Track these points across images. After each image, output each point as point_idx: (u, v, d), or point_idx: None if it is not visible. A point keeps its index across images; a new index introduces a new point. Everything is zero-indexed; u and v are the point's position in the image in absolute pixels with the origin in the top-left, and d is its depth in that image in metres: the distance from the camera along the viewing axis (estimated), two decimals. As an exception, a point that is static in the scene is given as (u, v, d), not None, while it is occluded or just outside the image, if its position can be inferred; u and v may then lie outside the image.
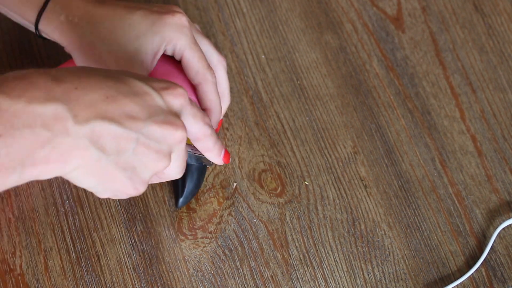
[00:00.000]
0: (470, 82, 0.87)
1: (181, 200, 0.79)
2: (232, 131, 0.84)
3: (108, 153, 0.59)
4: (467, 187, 0.82)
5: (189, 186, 0.79)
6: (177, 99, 0.63)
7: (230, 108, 0.84)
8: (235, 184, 0.82)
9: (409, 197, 0.82)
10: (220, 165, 0.82)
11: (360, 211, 0.81)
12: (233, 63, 0.86)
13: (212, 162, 0.73)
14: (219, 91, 0.78)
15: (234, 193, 0.81)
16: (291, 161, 0.83)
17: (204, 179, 0.82)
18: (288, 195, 0.81)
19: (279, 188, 0.82)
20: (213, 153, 0.70)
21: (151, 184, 0.81)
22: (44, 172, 0.58)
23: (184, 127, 0.62)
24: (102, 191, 0.62)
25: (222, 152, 0.71)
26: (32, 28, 0.76)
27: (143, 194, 0.81)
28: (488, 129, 0.85)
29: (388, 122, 0.85)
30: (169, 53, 0.75)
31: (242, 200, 0.81)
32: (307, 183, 0.82)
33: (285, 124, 0.84)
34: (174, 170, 0.66)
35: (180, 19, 0.74)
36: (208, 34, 0.87)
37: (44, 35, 0.76)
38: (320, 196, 0.81)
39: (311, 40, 0.88)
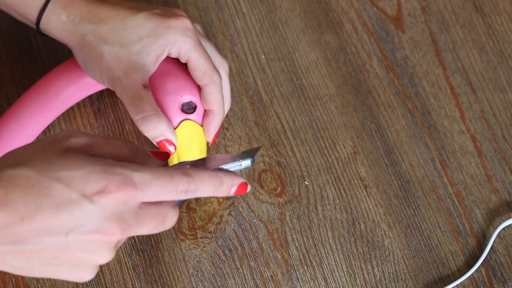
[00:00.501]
0: (470, 82, 0.87)
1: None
2: (232, 131, 0.84)
3: (33, 264, 0.57)
4: (467, 187, 0.82)
5: None
6: (118, 201, 0.56)
7: (230, 108, 0.84)
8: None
9: (409, 197, 0.82)
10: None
11: (360, 211, 0.81)
12: (233, 63, 0.86)
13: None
14: None
15: (234, 193, 0.81)
16: (291, 161, 0.83)
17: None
18: (288, 195, 0.81)
19: (279, 188, 0.82)
20: (222, 191, 0.60)
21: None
22: None
23: (119, 231, 0.56)
24: (64, 277, 0.58)
25: (235, 183, 0.61)
26: (34, 26, 0.76)
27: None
28: (488, 129, 0.85)
29: (388, 122, 0.85)
30: (173, 55, 0.75)
31: (242, 200, 0.81)
32: (307, 183, 0.82)
33: (285, 124, 0.84)
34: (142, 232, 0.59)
35: (183, 22, 0.75)
36: (208, 34, 0.87)
37: (47, 34, 0.77)
38: (320, 196, 0.81)
39: (311, 40, 0.88)
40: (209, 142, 0.78)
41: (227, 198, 0.81)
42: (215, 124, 0.77)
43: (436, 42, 0.88)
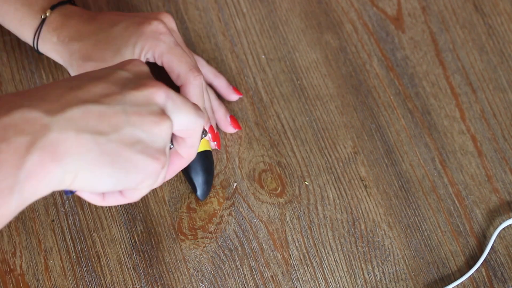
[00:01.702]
0: (470, 82, 0.87)
1: (198, 192, 0.79)
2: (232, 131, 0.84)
3: (105, 133, 0.55)
4: (467, 187, 0.82)
5: (198, 176, 0.79)
6: (141, 65, 0.61)
7: (230, 108, 0.84)
8: (235, 184, 0.82)
9: (409, 197, 0.82)
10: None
11: (360, 211, 0.81)
12: (233, 63, 0.86)
13: (203, 133, 0.73)
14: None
15: (234, 193, 0.81)
16: (291, 161, 0.83)
17: (204, 179, 0.82)
18: (288, 195, 0.81)
19: (279, 188, 0.82)
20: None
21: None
22: (44, 181, 0.53)
23: (160, 83, 0.59)
24: (125, 180, 0.57)
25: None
26: (27, 41, 0.79)
27: (143, 194, 0.81)
28: (488, 129, 0.85)
29: (388, 122, 0.85)
30: (151, 60, 0.76)
31: (242, 200, 0.81)
32: (307, 183, 0.82)
33: (285, 124, 0.84)
34: (185, 121, 0.61)
35: (156, 26, 0.75)
36: (208, 35, 0.87)
37: (44, 54, 0.79)
38: (320, 196, 0.81)
39: (311, 40, 0.88)
40: (214, 145, 0.80)
41: (228, 198, 0.81)
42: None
43: (436, 42, 0.88)
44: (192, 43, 0.87)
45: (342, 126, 0.84)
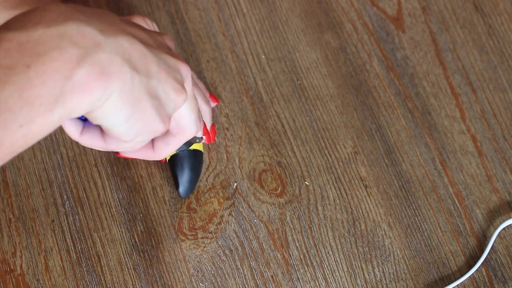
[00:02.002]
0: (470, 82, 0.87)
1: (180, 190, 0.79)
2: (232, 131, 0.84)
3: (140, 72, 0.57)
4: (468, 187, 0.82)
5: (182, 174, 0.79)
6: (172, 43, 0.64)
7: (230, 108, 0.84)
8: (235, 184, 0.82)
9: (410, 197, 0.82)
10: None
11: (360, 211, 0.81)
12: (233, 63, 0.86)
13: (198, 138, 0.73)
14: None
15: (235, 193, 0.81)
16: (292, 161, 0.83)
17: (205, 180, 0.82)
18: (288, 195, 0.81)
19: (279, 188, 0.82)
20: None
21: (151, 184, 0.81)
22: (85, 97, 0.54)
23: (186, 64, 0.63)
24: (132, 126, 0.59)
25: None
26: None
27: (143, 194, 0.81)
28: (488, 129, 0.85)
29: (388, 122, 0.85)
30: None
31: (243, 200, 0.81)
32: (307, 183, 0.82)
33: (285, 124, 0.84)
34: (184, 114, 0.64)
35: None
36: (208, 35, 0.87)
37: None
38: (321, 196, 0.81)
39: (311, 40, 0.88)
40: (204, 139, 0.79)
41: (228, 198, 0.81)
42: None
43: (436, 42, 0.88)
44: (192, 43, 0.87)
45: (342, 126, 0.84)
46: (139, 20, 0.76)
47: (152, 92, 0.59)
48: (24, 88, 0.51)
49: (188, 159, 0.79)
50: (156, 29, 0.79)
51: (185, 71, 0.62)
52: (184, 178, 0.79)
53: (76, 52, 0.53)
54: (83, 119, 0.65)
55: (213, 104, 0.83)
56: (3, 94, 0.51)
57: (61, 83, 0.52)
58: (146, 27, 0.76)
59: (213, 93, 0.85)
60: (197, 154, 0.80)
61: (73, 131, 0.64)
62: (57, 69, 0.52)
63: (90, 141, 0.64)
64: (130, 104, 0.57)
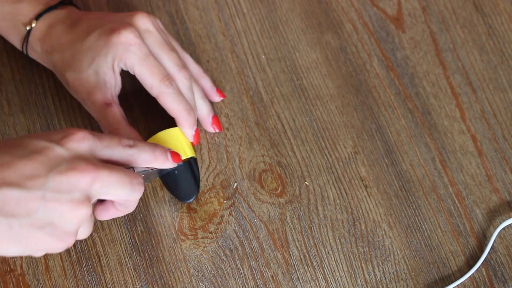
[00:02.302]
0: (470, 82, 0.87)
1: (182, 200, 0.79)
2: (233, 131, 0.84)
3: (18, 216, 0.59)
4: (468, 187, 0.82)
5: (178, 189, 0.79)
6: (81, 143, 0.63)
7: (230, 108, 0.84)
8: (235, 184, 0.82)
9: (410, 197, 0.82)
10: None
11: (360, 211, 0.81)
12: (233, 63, 0.86)
13: (161, 169, 0.74)
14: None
15: (235, 193, 0.81)
16: (292, 161, 0.83)
17: (205, 180, 0.81)
18: (288, 195, 0.81)
19: (279, 188, 0.82)
20: (158, 161, 0.71)
21: (151, 184, 0.81)
22: None
23: (91, 168, 0.62)
24: (33, 253, 0.62)
25: (168, 156, 0.72)
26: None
27: (143, 194, 0.81)
28: (488, 129, 0.85)
29: (388, 122, 0.85)
30: (125, 69, 0.77)
31: (243, 200, 0.81)
32: (307, 183, 0.82)
33: (286, 124, 0.84)
34: (119, 196, 0.66)
35: (126, 37, 0.76)
36: (208, 35, 0.87)
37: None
38: (321, 196, 0.81)
39: (311, 40, 0.88)
40: (192, 142, 0.79)
41: (228, 198, 0.81)
42: (185, 127, 0.78)
43: (436, 42, 0.88)
44: (192, 43, 0.87)
45: (342, 126, 0.84)
46: (143, 18, 0.77)
47: (41, 223, 0.60)
48: None
49: (186, 172, 0.79)
50: (161, 27, 0.79)
51: (87, 181, 0.62)
52: (182, 193, 0.79)
53: None
54: None
55: (219, 99, 0.83)
56: None
57: None
58: (150, 26, 0.77)
59: (213, 93, 0.85)
60: (191, 163, 0.79)
61: None
62: None
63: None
64: (17, 243, 0.60)
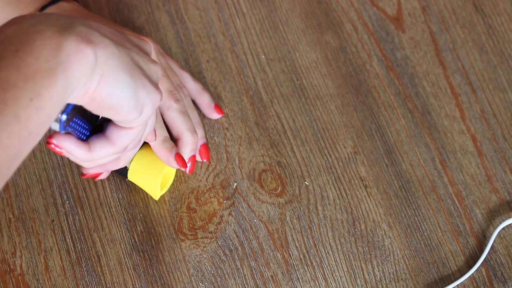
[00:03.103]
0: (470, 82, 0.87)
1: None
2: (232, 131, 0.84)
3: (120, 45, 0.61)
4: (467, 187, 0.82)
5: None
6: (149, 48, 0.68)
7: (230, 108, 0.84)
8: (235, 184, 0.82)
9: (409, 197, 0.82)
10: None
11: (360, 211, 0.81)
12: (233, 63, 0.86)
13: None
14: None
15: (234, 193, 0.81)
16: (291, 161, 0.83)
17: (205, 180, 0.82)
18: (288, 195, 0.81)
19: (279, 188, 0.82)
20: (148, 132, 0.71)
21: (151, 184, 0.81)
22: (82, 64, 0.57)
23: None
24: (137, 95, 0.62)
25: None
26: None
27: (143, 194, 0.81)
28: (488, 129, 0.85)
29: (388, 122, 0.85)
30: None
31: (242, 200, 0.81)
32: (307, 183, 0.82)
33: (285, 124, 0.84)
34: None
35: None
36: (208, 35, 0.87)
37: None
38: (320, 196, 0.81)
39: (311, 40, 0.88)
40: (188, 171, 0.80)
41: (228, 198, 0.81)
42: (185, 149, 0.78)
43: (436, 42, 0.88)
44: (192, 43, 0.87)
45: (342, 126, 0.84)
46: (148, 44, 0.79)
47: (137, 62, 0.62)
48: (19, 67, 0.54)
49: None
50: (161, 51, 0.81)
51: (149, 47, 0.67)
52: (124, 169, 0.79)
53: (54, 29, 0.56)
54: (84, 139, 0.66)
55: (217, 116, 0.83)
56: (2, 74, 0.54)
57: (52, 55, 0.55)
58: (152, 51, 0.79)
59: (213, 93, 0.85)
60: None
61: (82, 152, 0.67)
62: (43, 45, 0.55)
63: (101, 150, 0.67)
64: (126, 71, 0.61)
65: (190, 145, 0.78)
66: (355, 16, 0.89)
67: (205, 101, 0.83)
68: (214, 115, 0.83)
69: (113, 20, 0.88)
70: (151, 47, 0.77)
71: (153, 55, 0.78)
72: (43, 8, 0.78)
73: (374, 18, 0.89)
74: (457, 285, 0.78)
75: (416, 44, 0.88)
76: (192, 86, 0.83)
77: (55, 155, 0.82)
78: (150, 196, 0.81)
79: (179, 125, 0.77)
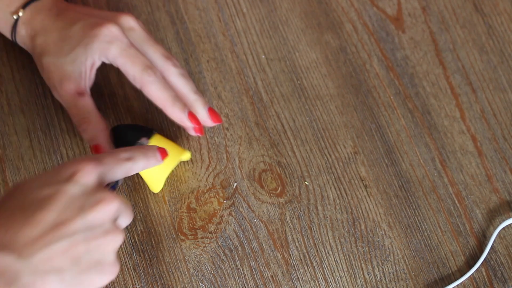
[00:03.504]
0: (470, 82, 0.87)
1: None
2: (232, 131, 0.84)
3: (67, 268, 0.60)
4: (467, 187, 0.82)
5: None
6: (90, 175, 0.63)
7: (230, 108, 0.84)
8: (235, 184, 0.82)
9: (409, 197, 0.82)
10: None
11: (360, 211, 0.81)
12: (233, 63, 0.87)
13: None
14: (182, 96, 0.79)
15: (234, 193, 0.81)
16: (291, 161, 0.83)
17: (205, 179, 0.82)
18: (288, 195, 0.81)
19: (279, 188, 0.82)
20: (150, 164, 0.71)
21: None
22: None
23: (111, 195, 0.63)
24: None
25: (157, 155, 0.71)
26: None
27: (143, 194, 0.81)
28: (488, 129, 0.85)
29: (388, 122, 0.85)
30: (107, 62, 0.78)
31: (242, 200, 0.81)
32: (307, 183, 0.82)
33: (285, 124, 0.84)
34: (126, 223, 0.67)
35: (109, 30, 0.77)
36: (208, 35, 0.87)
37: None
38: (320, 196, 0.81)
39: (311, 40, 0.88)
40: (210, 122, 0.80)
41: (228, 198, 0.81)
42: (173, 115, 0.78)
43: (436, 42, 0.88)
44: (192, 43, 0.87)
45: (342, 126, 0.84)
46: (127, 17, 0.79)
47: (89, 265, 0.61)
48: None
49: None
50: (145, 28, 0.80)
51: (115, 208, 0.63)
52: None
53: (2, 283, 0.58)
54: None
55: (213, 124, 0.81)
56: None
57: None
58: (135, 24, 0.78)
59: (213, 93, 0.85)
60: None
61: None
62: None
63: None
64: None
65: (175, 110, 0.77)
66: (355, 16, 0.89)
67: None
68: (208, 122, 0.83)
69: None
70: (129, 23, 0.78)
71: (136, 32, 0.78)
72: (26, 4, 0.79)
73: (374, 18, 0.89)
74: (457, 285, 0.78)
75: (416, 44, 0.88)
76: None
77: (55, 155, 0.82)
78: (150, 196, 0.81)
79: (158, 96, 0.77)
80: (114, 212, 0.63)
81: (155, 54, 0.78)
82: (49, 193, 0.61)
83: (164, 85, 0.77)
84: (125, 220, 0.65)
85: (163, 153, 0.72)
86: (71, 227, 0.60)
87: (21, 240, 0.59)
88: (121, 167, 0.67)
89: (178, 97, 0.77)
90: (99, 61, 0.77)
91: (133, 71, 0.76)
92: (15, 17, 0.79)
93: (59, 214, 0.60)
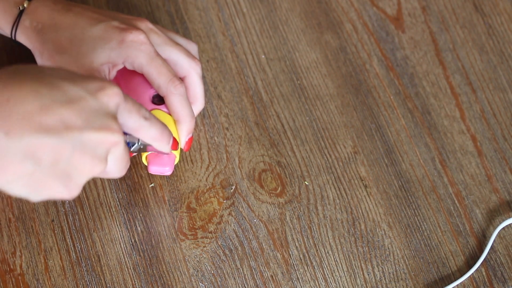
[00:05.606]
0: (470, 82, 0.87)
1: None
2: (232, 131, 0.84)
3: (44, 165, 0.59)
4: (467, 187, 0.82)
5: None
6: (112, 99, 0.63)
7: (230, 108, 0.84)
8: (235, 184, 0.82)
9: (409, 197, 0.82)
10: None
11: (360, 211, 0.81)
12: (233, 63, 0.87)
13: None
14: (191, 94, 0.79)
15: (234, 193, 0.81)
16: (291, 161, 0.83)
17: (205, 179, 0.82)
18: (288, 195, 0.81)
19: (279, 188, 0.82)
20: (160, 143, 0.70)
21: (151, 184, 0.81)
22: None
23: (119, 130, 0.63)
24: (35, 197, 0.62)
25: (170, 141, 0.71)
26: (3, 32, 0.80)
27: (143, 194, 0.81)
28: (488, 129, 0.85)
29: (388, 122, 0.85)
30: (129, 68, 0.77)
31: (242, 200, 0.81)
32: (307, 183, 0.82)
33: (285, 124, 0.84)
34: (113, 170, 0.67)
35: (137, 37, 0.76)
36: (208, 34, 0.87)
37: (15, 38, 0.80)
38: (320, 196, 0.81)
39: (311, 40, 0.88)
40: (183, 149, 0.79)
41: (228, 198, 0.81)
42: (183, 131, 0.78)
43: (436, 42, 0.88)
44: (192, 43, 0.87)
45: (342, 126, 0.84)
46: (146, 22, 0.78)
47: (60, 174, 0.61)
48: None
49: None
50: (155, 30, 0.79)
51: (112, 142, 0.63)
52: None
53: None
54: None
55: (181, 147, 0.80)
56: None
57: None
58: (153, 27, 0.77)
59: (213, 93, 0.85)
60: None
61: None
62: None
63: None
64: (30, 187, 0.60)
65: (187, 130, 0.78)
66: (355, 16, 0.89)
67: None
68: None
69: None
70: (148, 26, 0.78)
71: (154, 35, 0.78)
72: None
73: (374, 18, 0.89)
74: (457, 285, 0.78)
75: (416, 44, 0.88)
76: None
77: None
78: (150, 196, 0.81)
79: (179, 111, 0.77)
80: (111, 144, 0.63)
81: (179, 55, 0.78)
82: (73, 96, 0.61)
83: (186, 102, 0.77)
84: (116, 161, 0.65)
85: (175, 144, 0.72)
86: (68, 131, 0.60)
87: (18, 114, 0.58)
88: (135, 118, 0.66)
89: (193, 119, 0.78)
90: (122, 65, 0.77)
91: (159, 81, 0.76)
92: (20, 7, 0.78)
93: (69, 119, 0.60)
